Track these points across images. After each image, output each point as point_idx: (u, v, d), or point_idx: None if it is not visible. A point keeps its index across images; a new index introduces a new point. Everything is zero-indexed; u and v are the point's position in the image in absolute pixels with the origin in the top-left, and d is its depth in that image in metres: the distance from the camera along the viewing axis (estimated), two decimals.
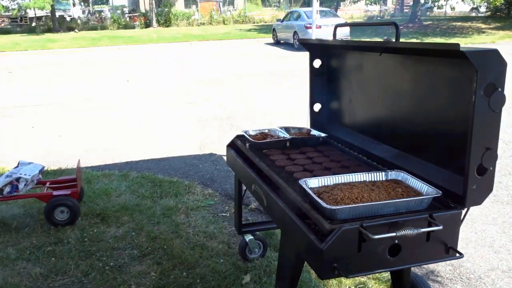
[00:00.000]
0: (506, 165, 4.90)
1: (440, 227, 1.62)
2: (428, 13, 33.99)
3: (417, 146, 2.11)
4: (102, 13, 32.56)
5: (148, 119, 7.26)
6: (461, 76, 1.77)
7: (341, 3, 32.99)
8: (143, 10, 33.93)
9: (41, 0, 24.78)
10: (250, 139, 2.67)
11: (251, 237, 2.98)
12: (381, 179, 1.99)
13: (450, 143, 1.87)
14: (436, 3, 27.58)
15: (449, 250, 1.72)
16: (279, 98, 8.55)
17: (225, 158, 2.60)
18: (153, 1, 29.87)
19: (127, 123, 7.08)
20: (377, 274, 2.77)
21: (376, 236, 1.53)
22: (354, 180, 1.98)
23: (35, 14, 29.84)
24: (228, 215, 3.74)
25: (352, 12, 36.33)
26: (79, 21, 30.02)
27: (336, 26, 2.64)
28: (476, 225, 3.60)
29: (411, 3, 28.30)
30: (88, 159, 5.22)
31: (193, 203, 3.94)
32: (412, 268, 2.26)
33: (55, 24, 27.88)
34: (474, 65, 1.52)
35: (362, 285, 2.74)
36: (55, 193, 3.53)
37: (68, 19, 30.85)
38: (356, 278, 2.74)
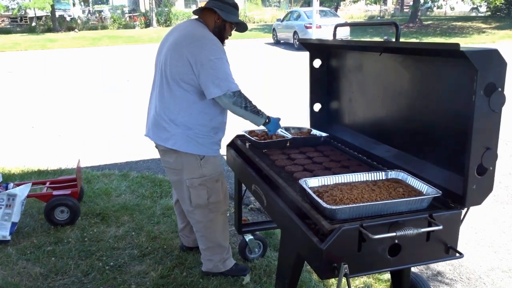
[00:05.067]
0: (506, 165, 4.90)
1: (440, 227, 1.62)
2: (428, 13, 33.99)
3: (417, 146, 2.11)
4: (102, 13, 32.55)
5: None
6: (461, 76, 1.77)
7: (341, 3, 32.98)
8: (143, 10, 33.92)
9: (41, 0, 24.77)
10: (251, 138, 2.68)
11: (251, 237, 2.98)
12: (381, 179, 1.99)
13: (450, 143, 1.87)
14: (436, 3, 27.60)
15: (449, 250, 1.72)
16: (278, 98, 8.56)
17: (225, 158, 2.60)
18: (153, 1, 29.87)
19: (127, 123, 7.08)
20: (377, 274, 2.78)
21: (376, 236, 1.53)
22: (354, 180, 1.99)
23: (35, 14, 29.83)
24: (228, 215, 3.74)
25: (352, 12, 36.33)
26: (79, 21, 30.01)
27: (336, 26, 2.64)
28: (476, 225, 3.60)
29: (411, 3, 28.30)
30: (88, 159, 5.22)
31: None
32: (412, 268, 2.26)
33: (55, 24, 27.87)
34: (474, 65, 1.52)
35: (362, 285, 2.74)
36: (55, 193, 3.53)
37: (68, 19, 30.83)
38: (356, 278, 2.74)
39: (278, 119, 2.63)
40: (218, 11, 2.49)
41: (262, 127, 2.62)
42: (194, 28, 2.48)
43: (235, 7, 2.58)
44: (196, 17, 2.60)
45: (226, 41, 2.61)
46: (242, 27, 2.65)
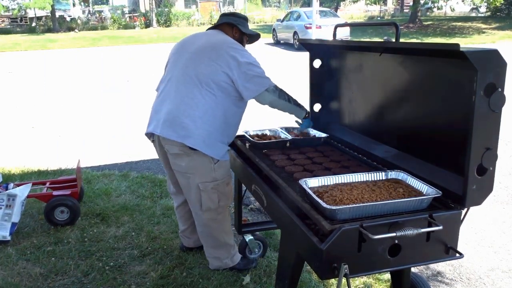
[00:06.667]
0: (506, 165, 4.90)
1: (440, 227, 1.62)
2: (428, 13, 34.00)
3: (417, 146, 2.11)
4: (102, 13, 32.56)
5: (148, 119, 7.25)
6: (461, 76, 1.77)
7: (341, 3, 32.99)
8: (143, 10, 33.92)
9: (42, 0, 24.78)
10: (251, 139, 2.68)
11: (251, 237, 2.98)
12: (381, 179, 1.99)
13: (450, 143, 1.87)
14: (436, 4, 27.62)
15: (449, 250, 1.72)
16: None
17: None
18: (153, 1, 29.88)
19: (127, 123, 7.08)
20: (377, 274, 2.78)
21: (376, 236, 1.53)
22: (354, 180, 1.99)
23: (35, 14, 29.83)
24: None
25: (352, 12, 36.33)
26: (79, 21, 30.02)
27: (336, 26, 2.63)
28: (476, 225, 3.60)
29: (411, 3, 28.30)
30: (88, 159, 5.22)
31: None
32: (412, 268, 2.26)
33: (55, 24, 27.88)
34: (474, 65, 1.52)
35: (362, 285, 2.74)
36: (55, 193, 3.53)
37: (68, 19, 30.84)
38: (356, 278, 2.74)
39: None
40: (236, 24, 2.62)
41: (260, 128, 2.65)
42: (225, 36, 2.59)
43: (246, 20, 2.74)
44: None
45: None
46: (255, 38, 2.77)
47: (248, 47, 2.71)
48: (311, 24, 15.71)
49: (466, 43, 18.19)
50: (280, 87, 2.51)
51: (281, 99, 2.50)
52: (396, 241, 1.62)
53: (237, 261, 2.84)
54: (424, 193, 1.80)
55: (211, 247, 2.77)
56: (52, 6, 26.29)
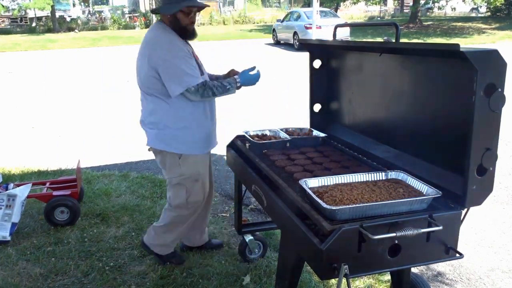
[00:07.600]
0: (506, 165, 4.90)
1: (440, 228, 1.62)
2: (428, 13, 33.99)
3: (417, 146, 2.11)
4: (102, 14, 32.58)
5: None
6: (461, 76, 1.77)
7: (341, 4, 33.00)
8: (143, 11, 33.93)
9: (41, 0, 24.79)
10: (251, 139, 2.68)
11: (251, 237, 2.98)
12: (381, 179, 1.99)
13: (450, 143, 1.87)
14: (436, 3, 27.63)
15: (449, 251, 1.72)
16: (279, 98, 8.56)
17: (225, 158, 2.61)
18: (153, 2, 29.89)
19: (127, 123, 7.08)
20: (377, 274, 2.78)
21: (376, 237, 1.53)
22: (354, 181, 1.99)
23: (35, 14, 29.85)
24: (228, 215, 3.74)
25: (352, 12, 36.34)
26: (79, 21, 30.02)
27: (336, 27, 2.63)
28: (476, 225, 3.59)
29: (411, 3, 28.31)
30: (88, 159, 5.21)
31: None
32: (412, 269, 2.26)
33: (55, 24, 27.88)
34: (474, 65, 1.52)
35: (362, 286, 2.74)
36: (55, 193, 3.53)
37: (68, 19, 30.84)
38: (356, 278, 2.74)
39: (248, 71, 2.64)
40: (159, 9, 2.53)
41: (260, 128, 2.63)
42: (150, 33, 2.59)
43: None
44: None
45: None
46: (195, 6, 2.46)
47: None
48: (311, 24, 15.72)
49: (466, 43, 18.19)
50: (203, 84, 2.43)
51: (205, 98, 2.49)
52: (396, 241, 1.62)
53: (166, 253, 2.87)
54: (424, 193, 1.80)
55: (160, 227, 2.82)
56: (52, 6, 26.29)
